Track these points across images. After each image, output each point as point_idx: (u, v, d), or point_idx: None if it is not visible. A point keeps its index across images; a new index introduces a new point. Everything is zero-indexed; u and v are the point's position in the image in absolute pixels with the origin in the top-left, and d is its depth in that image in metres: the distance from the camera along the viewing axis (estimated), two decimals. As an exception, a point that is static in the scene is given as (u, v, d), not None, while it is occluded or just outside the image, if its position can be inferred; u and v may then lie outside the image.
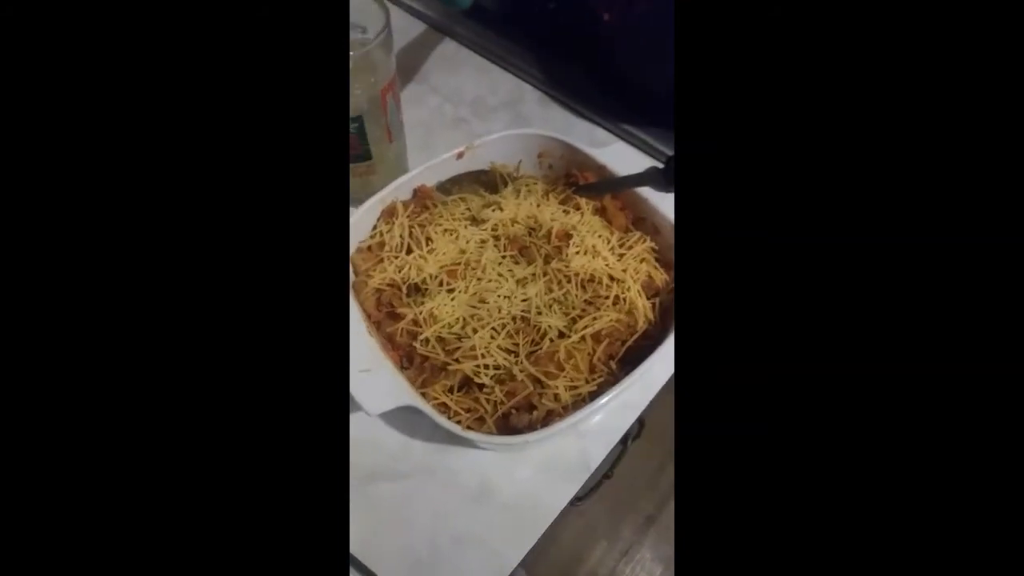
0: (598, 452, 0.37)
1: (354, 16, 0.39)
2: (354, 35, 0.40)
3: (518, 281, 0.37)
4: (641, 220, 0.41)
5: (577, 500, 0.46)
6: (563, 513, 0.36)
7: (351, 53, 0.36)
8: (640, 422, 0.60)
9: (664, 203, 0.39)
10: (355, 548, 0.33)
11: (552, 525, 0.35)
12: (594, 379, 0.34)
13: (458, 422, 0.33)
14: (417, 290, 0.38)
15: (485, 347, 0.34)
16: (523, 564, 0.34)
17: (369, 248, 0.39)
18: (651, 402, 0.39)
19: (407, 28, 0.59)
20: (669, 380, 0.40)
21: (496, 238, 0.39)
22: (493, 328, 0.35)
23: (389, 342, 0.36)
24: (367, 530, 0.34)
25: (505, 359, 0.34)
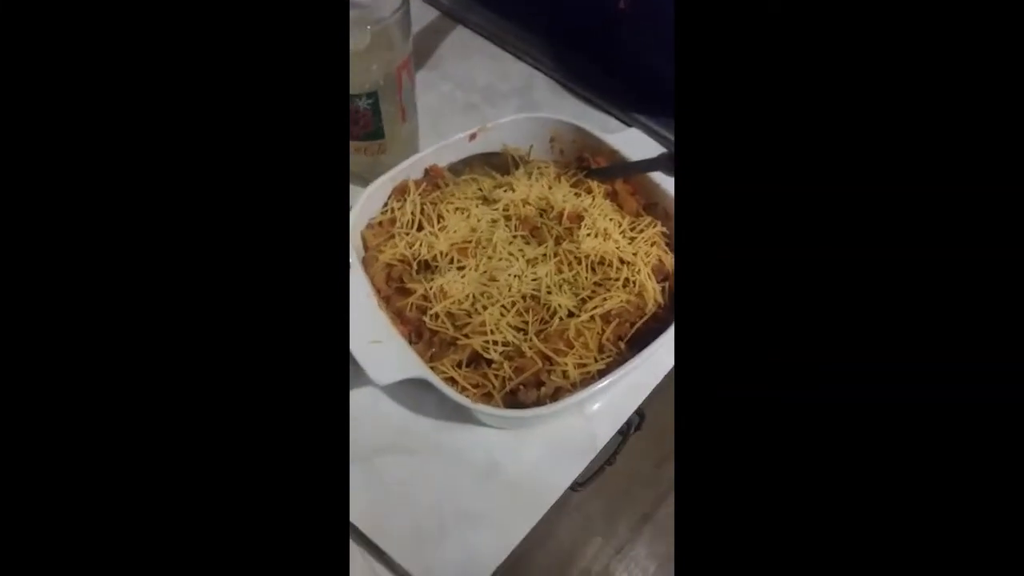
0: (604, 433, 0.37)
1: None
2: (365, 12, 0.40)
3: (528, 261, 0.37)
4: (653, 205, 0.41)
5: (578, 485, 0.45)
6: (560, 507, 0.36)
7: (368, 28, 0.36)
8: (640, 415, 0.60)
9: (676, 189, 0.39)
10: (361, 522, 0.33)
11: (549, 520, 0.35)
12: (603, 358, 0.34)
13: (466, 397, 0.33)
14: (427, 267, 0.38)
15: (495, 323, 0.34)
16: (519, 555, 0.34)
17: (380, 224, 0.39)
18: (653, 395, 0.39)
19: (420, 14, 0.59)
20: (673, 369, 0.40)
21: (507, 218, 0.39)
22: (503, 306, 0.35)
23: (398, 317, 0.36)
24: (373, 504, 0.34)
25: (514, 336, 0.34)
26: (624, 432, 0.56)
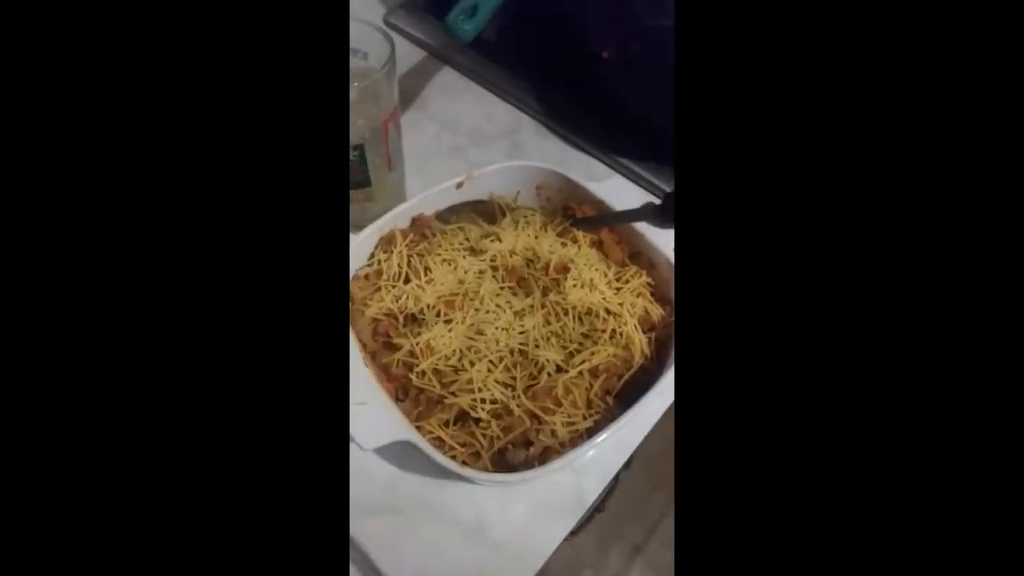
0: (593, 488, 0.37)
1: (356, 42, 0.39)
2: (355, 60, 0.40)
3: (516, 313, 0.37)
4: (637, 255, 0.41)
5: (569, 535, 0.45)
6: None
7: (354, 84, 0.37)
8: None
9: (660, 239, 0.39)
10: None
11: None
12: (591, 415, 0.34)
13: (453, 457, 0.32)
14: (414, 320, 0.37)
15: (482, 381, 0.34)
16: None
17: (366, 276, 0.39)
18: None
19: (407, 55, 0.60)
20: (662, 413, 0.40)
21: (495, 269, 0.39)
22: (490, 361, 0.35)
23: (384, 373, 0.35)
24: (355, 567, 0.33)
25: (502, 393, 0.34)
26: (615, 475, 0.55)
